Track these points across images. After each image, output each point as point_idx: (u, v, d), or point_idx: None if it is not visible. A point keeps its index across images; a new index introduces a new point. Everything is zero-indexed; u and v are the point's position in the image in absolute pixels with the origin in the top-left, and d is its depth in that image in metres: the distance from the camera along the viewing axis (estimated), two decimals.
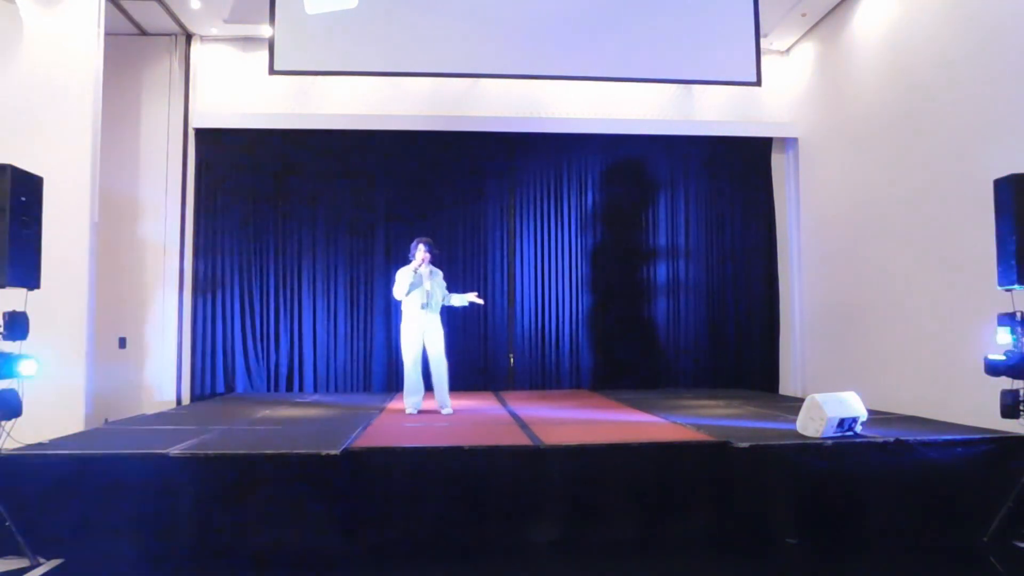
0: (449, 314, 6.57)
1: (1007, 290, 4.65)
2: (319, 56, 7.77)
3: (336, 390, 8.81)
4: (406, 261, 6.49)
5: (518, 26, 7.79)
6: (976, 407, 5.35)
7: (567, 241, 9.37)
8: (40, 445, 4.53)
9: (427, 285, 6.36)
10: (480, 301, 6.73)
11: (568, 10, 7.83)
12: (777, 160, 9.56)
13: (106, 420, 6.95)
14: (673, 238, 9.46)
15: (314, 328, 8.92)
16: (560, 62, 7.90)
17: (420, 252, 6.34)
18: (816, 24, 8.72)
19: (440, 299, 6.47)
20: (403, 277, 6.38)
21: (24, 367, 4.44)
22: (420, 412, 6.37)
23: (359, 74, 8.45)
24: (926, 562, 4.20)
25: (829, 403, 4.73)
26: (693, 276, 9.42)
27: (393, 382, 8.75)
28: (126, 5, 8.09)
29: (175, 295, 8.67)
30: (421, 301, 6.34)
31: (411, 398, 6.40)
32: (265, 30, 7.99)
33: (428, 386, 6.60)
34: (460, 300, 6.60)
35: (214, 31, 8.76)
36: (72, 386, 6.49)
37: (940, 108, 6.54)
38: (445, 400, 6.49)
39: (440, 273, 6.57)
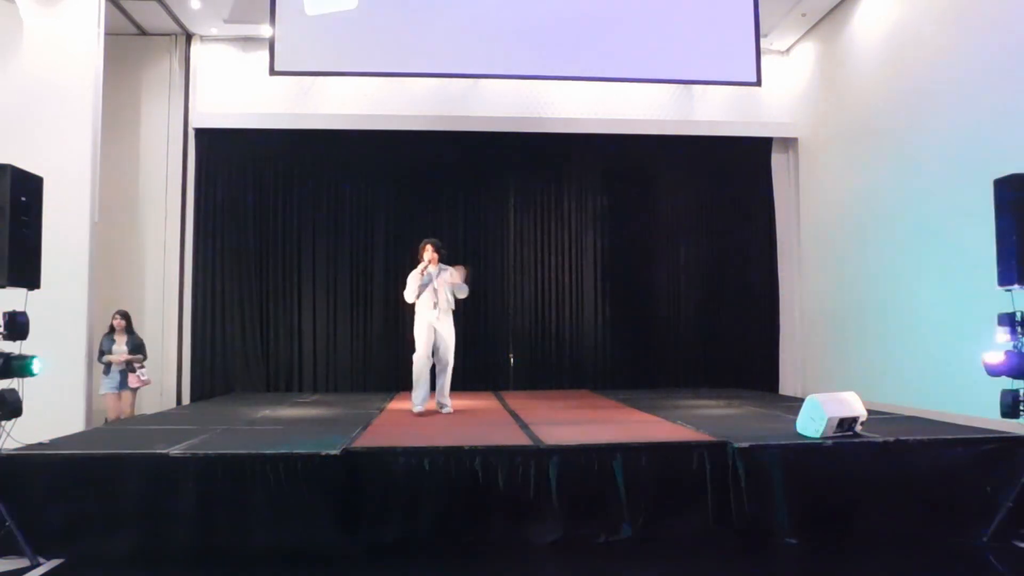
0: (454, 314, 6.56)
1: (1007, 290, 4.64)
2: (319, 56, 7.78)
3: (336, 390, 8.81)
4: (406, 261, 6.47)
5: (518, 27, 7.80)
6: (976, 407, 5.35)
7: (567, 241, 9.37)
8: (40, 445, 4.53)
9: (435, 285, 6.36)
10: (458, 277, 6.41)
11: (568, 11, 7.84)
12: (777, 160, 9.56)
13: (106, 420, 6.95)
14: (673, 238, 9.46)
15: (314, 328, 8.92)
16: (560, 62, 7.91)
17: (427, 253, 6.32)
18: (816, 24, 8.72)
19: (450, 299, 6.43)
20: (412, 280, 6.38)
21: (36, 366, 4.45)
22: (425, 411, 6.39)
23: (359, 74, 8.45)
24: (926, 562, 4.19)
25: (829, 403, 4.72)
26: (693, 276, 9.43)
27: (393, 382, 8.75)
28: (126, 5, 8.10)
29: (175, 295, 8.67)
30: (433, 300, 6.34)
31: (418, 394, 6.39)
32: (265, 30, 7.99)
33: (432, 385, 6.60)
34: (459, 291, 6.48)
35: (214, 31, 8.76)
36: (72, 386, 6.49)
37: (940, 108, 6.54)
38: (445, 400, 6.49)
39: (450, 271, 6.49)
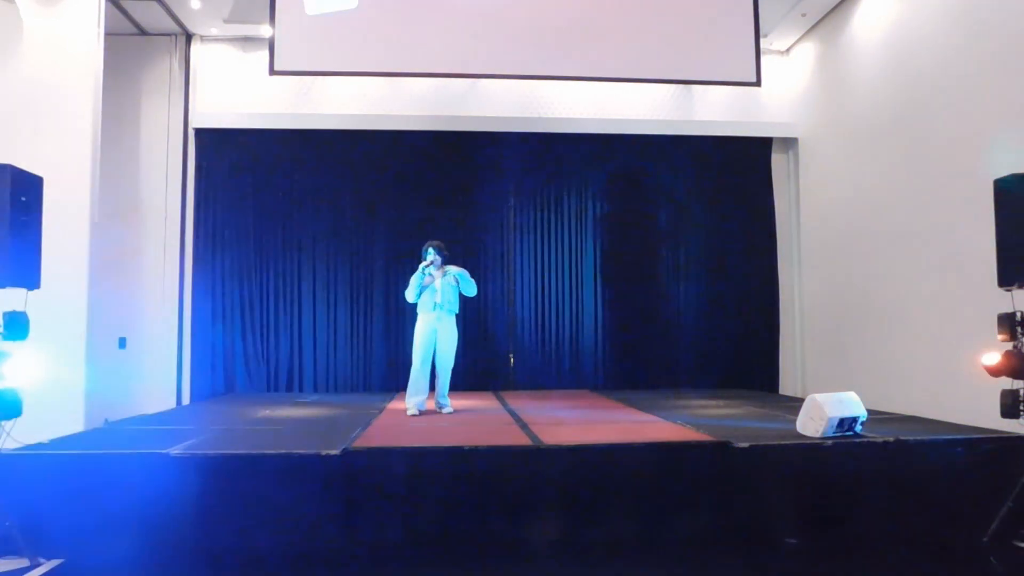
0: (457, 317, 6.58)
1: (1007, 290, 4.65)
2: (319, 56, 7.77)
3: (336, 390, 8.81)
4: (406, 261, 6.48)
5: (518, 26, 7.79)
6: (976, 407, 5.35)
7: (567, 241, 9.36)
8: (40, 445, 4.53)
9: (438, 286, 6.38)
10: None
11: (568, 10, 7.83)
12: (777, 160, 9.56)
13: (106, 420, 6.95)
14: (673, 238, 9.45)
15: (314, 328, 8.91)
16: (560, 62, 7.90)
17: (429, 255, 6.37)
18: (816, 24, 8.72)
19: (454, 299, 6.45)
20: (413, 280, 6.44)
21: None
22: (420, 413, 6.37)
23: (359, 74, 8.45)
24: (926, 562, 4.19)
25: (829, 403, 4.73)
26: (693, 276, 9.42)
27: (393, 382, 8.75)
28: (126, 5, 8.09)
29: (175, 295, 8.67)
30: (434, 301, 6.37)
31: (414, 398, 6.36)
32: (265, 30, 7.99)
33: (431, 386, 6.60)
34: (467, 287, 6.50)
35: (214, 31, 8.76)
36: (72, 386, 6.48)
37: (940, 108, 6.54)
38: (445, 401, 6.50)
39: (454, 272, 6.50)
